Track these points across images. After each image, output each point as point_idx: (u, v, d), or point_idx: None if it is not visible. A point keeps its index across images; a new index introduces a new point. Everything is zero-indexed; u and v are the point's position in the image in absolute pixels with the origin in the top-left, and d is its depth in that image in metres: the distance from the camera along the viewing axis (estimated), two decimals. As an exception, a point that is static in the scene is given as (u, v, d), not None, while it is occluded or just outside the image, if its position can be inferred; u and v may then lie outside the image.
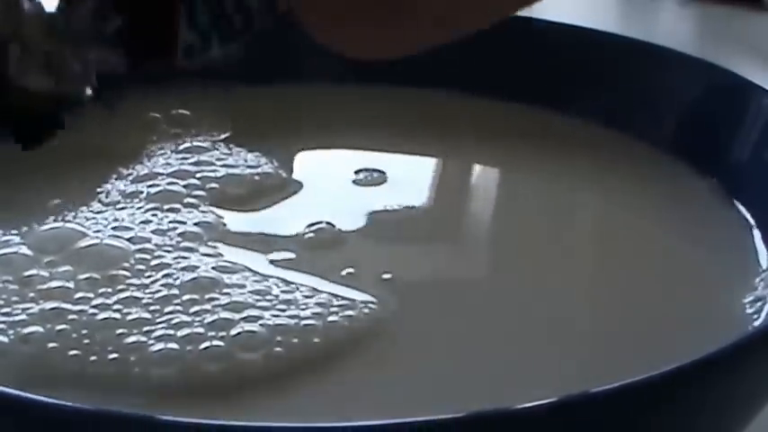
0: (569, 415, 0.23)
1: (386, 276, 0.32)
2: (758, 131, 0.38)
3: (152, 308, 0.30)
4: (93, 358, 0.28)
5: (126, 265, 0.31)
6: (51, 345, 0.29)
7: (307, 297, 0.30)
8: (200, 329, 0.29)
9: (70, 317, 0.29)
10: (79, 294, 0.30)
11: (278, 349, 0.29)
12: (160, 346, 0.28)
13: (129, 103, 0.42)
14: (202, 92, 0.44)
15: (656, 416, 0.24)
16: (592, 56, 0.43)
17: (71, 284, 0.31)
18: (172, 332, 0.29)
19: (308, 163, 0.40)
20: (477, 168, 0.41)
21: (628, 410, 0.24)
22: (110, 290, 0.30)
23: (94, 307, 0.30)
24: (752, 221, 0.36)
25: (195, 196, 0.36)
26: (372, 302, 0.31)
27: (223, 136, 0.42)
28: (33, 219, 0.34)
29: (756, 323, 0.31)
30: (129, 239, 0.33)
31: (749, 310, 0.31)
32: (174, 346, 0.28)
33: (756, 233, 0.35)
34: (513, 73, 0.44)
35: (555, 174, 0.40)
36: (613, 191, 0.39)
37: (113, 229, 0.33)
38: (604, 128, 0.42)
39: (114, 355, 0.28)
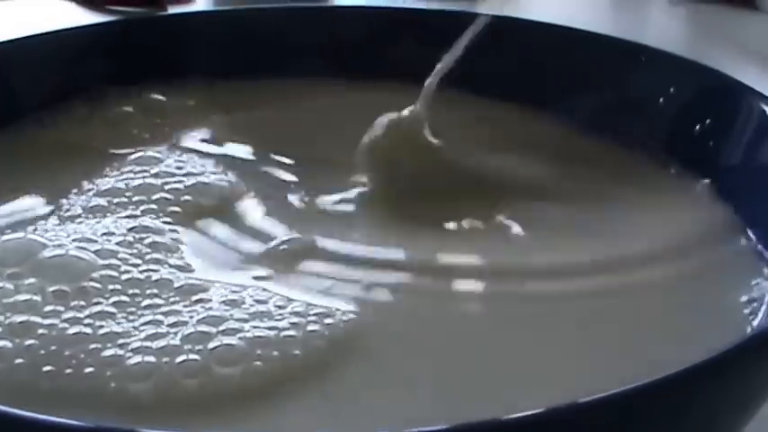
0: (558, 425, 0.23)
1: (368, 281, 0.32)
2: (750, 133, 0.37)
3: (124, 321, 0.29)
4: (68, 371, 0.28)
5: (95, 276, 0.31)
6: (19, 360, 0.28)
7: (281, 307, 0.30)
8: (177, 342, 0.28)
9: (40, 331, 0.29)
10: (49, 308, 0.30)
11: (257, 363, 0.28)
12: (138, 359, 0.28)
13: (110, 98, 0.43)
14: (184, 87, 0.44)
15: (645, 425, 0.24)
16: (581, 56, 0.43)
17: (39, 297, 0.30)
18: (148, 344, 0.28)
19: (285, 164, 0.40)
20: (464, 168, 0.40)
21: (618, 420, 0.23)
22: (83, 303, 0.30)
23: (66, 321, 0.29)
24: (746, 223, 0.35)
25: (159, 209, 0.35)
26: (351, 310, 0.30)
27: (204, 130, 0.42)
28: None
29: (754, 323, 0.31)
30: (95, 252, 0.32)
31: (746, 311, 0.31)
32: (150, 359, 0.28)
33: (751, 234, 0.35)
34: (501, 74, 0.44)
35: (543, 175, 0.40)
36: (605, 194, 0.39)
37: (77, 241, 0.32)
38: (594, 129, 0.42)
39: (90, 369, 0.28)
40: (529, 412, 0.22)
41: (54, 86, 0.43)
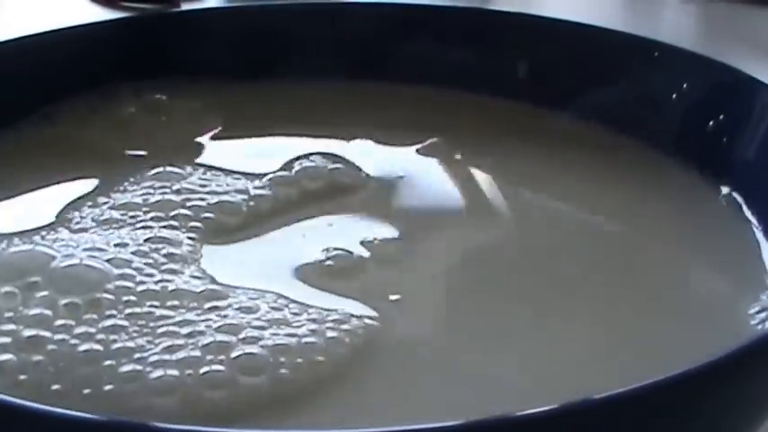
0: (571, 421, 0.22)
1: (393, 298, 0.32)
2: (763, 129, 0.37)
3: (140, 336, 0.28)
4: (86, 391, 0.27)
5: (109, 287, 0.30)
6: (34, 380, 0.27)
7: (296, 314, 0.29)
8: (197, 353, 0.28)
9: (50, 347, 0.28)
10: (60, 322, 0.28)
11: (283, 371, 0.27)
12: (159, 373, 0.27)
13: (120, 96, 0.42)
14: (190, 87, 0.44)
15: (657, 423, 0.24)
16: (594, 52, 0.43)
17: (49, 312, 0.29)
18: (167, 357, 0.27)
19: (302, 172, 0.38)
20: (478, 171, 0.40)
21: (629, 417, 0.23)
22: (95, 316, 0.29)
23: (76, 336, 0.28)
24: (758, 224, 0.35)
25: (179, 226, 0.34)
26: (369, 316, 0.30)
27: (212, 133, 0.41)
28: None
29: (759, 329, 0.30)
30: (108, 261, 0.31)
31: (753, 321, 0.31)
32: (173, 372, 0.27)
33: (762, 230, 0.35)
34: (515, 70, 0.43)
35: (554, 172, 0.40)
36: (617, 193, 0.39)
37: (88, 249, 0.31)
38: (607, 126, 0.42)
39: (109, 387, 0.27)
40: (541, 408, 0.22)
41: (64, 83, 0.43)
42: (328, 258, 0.33)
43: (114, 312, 0.29)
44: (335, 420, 0.27)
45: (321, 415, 0.27)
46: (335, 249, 0.33)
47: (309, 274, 0.32)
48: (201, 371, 0.27)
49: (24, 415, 0.22)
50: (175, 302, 0.30)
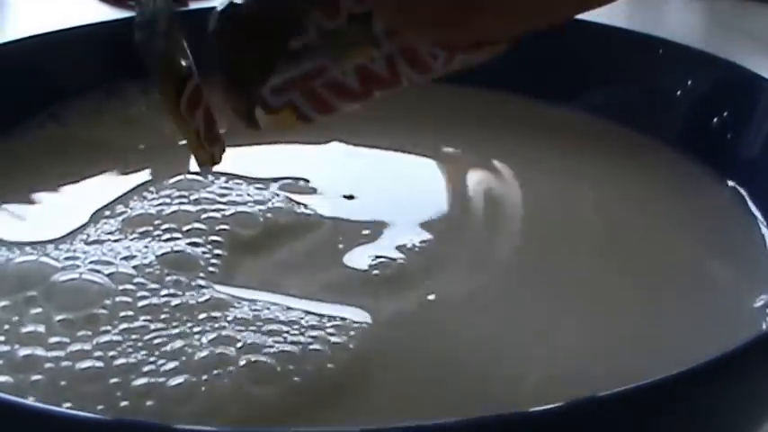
0: (575, 419, 0.22)
1: (431, 297, 0.31)
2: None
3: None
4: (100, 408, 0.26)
5: (107, 302, 0.29)
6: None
7: (295, 323, 0.29)
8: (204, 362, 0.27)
9: (47, 365, 0.27)
10: (55, 339, 0.28)
11: (295, 379, 0.27)
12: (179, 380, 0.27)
13: (128, 95, 0.42)
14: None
15: (661, 421, 0.23)
16: (599, 49, 0.43)
17: (42, 329, 0.28)
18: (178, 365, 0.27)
19: (312, 179, 0.38)
20: (483, 168, 0.40)
21: (633, 415, 0.23)
22: (89, 332, 0.28)
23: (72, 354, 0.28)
24: (763, 220, 0.35)
25: (202, 241, 0.34)
26: (370, 322, 0.30)
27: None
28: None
29: (765, 326, 0.30)
30: (109, 275, 0.30)
31: (758, 315, 0.31)
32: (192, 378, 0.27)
33: (766, 226, 0.35)
34: (519, 67, 0.43)
35: (562, 169, 0.40)
36: (622, 189, 0.39)
37: (92, 263, 0.31)
38: (612, 122, 0.42)
39: (125, 403, 0.26)
40: (549, 406, 0.22)
41: (71, 82, 0.43)
42: (343, 267, 0.33)
43: (109, 328, 0.28)
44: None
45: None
46: (351, 259, 0.33)
47: (324, 283, 0.32)
48: (213, 381, 0.27)
49: (25, 415, 0.22)
50: (175, 315, 0.29)
